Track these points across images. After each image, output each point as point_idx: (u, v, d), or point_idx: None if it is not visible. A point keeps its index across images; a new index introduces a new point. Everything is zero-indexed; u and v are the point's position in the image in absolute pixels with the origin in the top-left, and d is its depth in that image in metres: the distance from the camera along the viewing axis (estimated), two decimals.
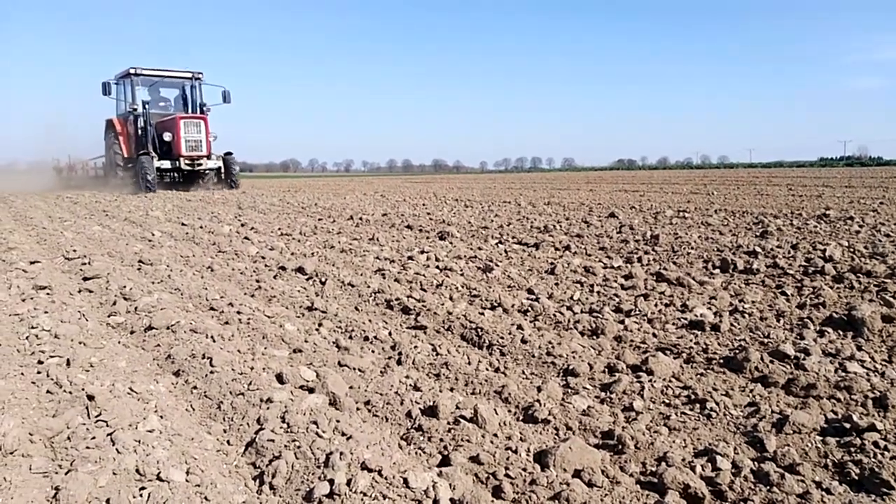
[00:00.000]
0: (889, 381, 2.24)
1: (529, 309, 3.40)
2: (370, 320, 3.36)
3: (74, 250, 5.66)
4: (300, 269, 4.67)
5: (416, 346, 2.84)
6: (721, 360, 2.51)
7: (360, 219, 8.46)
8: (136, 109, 18.87)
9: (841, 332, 2.83)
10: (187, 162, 18.52)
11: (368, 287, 3.98)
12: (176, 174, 19.64)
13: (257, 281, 4.39)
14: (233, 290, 4.17)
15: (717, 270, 4.38)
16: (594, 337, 2.92)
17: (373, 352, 2.86)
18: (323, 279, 4.32)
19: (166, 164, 18.60)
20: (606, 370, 2.48)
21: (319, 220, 8.66)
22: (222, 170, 19.51)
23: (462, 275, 4.49)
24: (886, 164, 36.80)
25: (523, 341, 2.82)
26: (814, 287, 3.71)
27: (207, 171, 19.40)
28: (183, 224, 8.45)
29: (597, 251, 5.35)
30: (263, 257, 5.39)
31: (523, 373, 2.55)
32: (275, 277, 4.58)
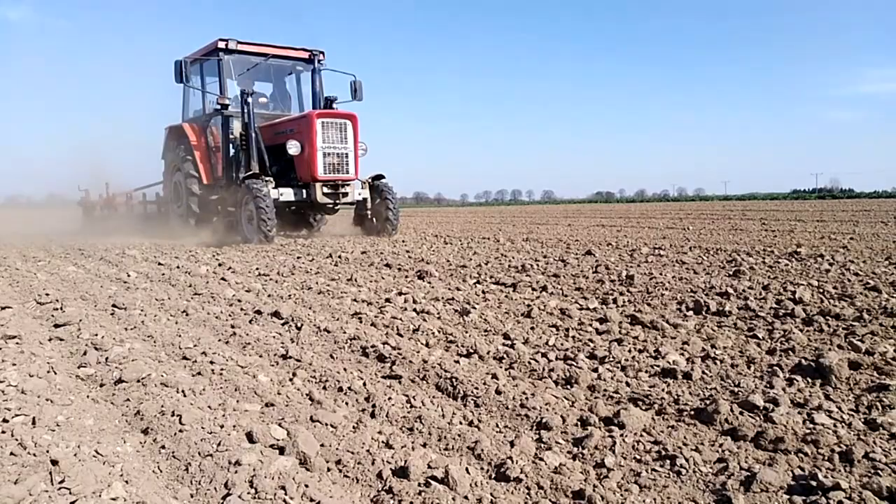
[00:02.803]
0: (855, 432, 2.27)
1: (505, 356, 3.41)
2: (345, 369, 3.34)
3: (47, 294, 5.58)
4: (276, 314, 4.64)
5: (389, 398, 2.83)
6: (692, 412, 2.53)
7: (339, 257, 8.45)
8: (227, 105, 11.69)
9: (809, 380, 2.87)
10: (327, 190, 11.34)
11: (344, 333, 3.97)
12: (301, 209, 12.38)
13: (232, 326, 4.35)
14: (207, 336, 4.13)
15: (691, 312, 4.43)
16: (568, 386, 2.93)
17: (346, 404, 2.84)
18: (299, 324, 4.30)
19: (288, 193, 11.35)
20: (579, 423, 2.49)
21: (298, 258, 8.64)
22: (368, 202, 12.34)
23: (439, 318, 4.49)
24: (857, 196, 37.69)
25: (498, 392, 2.82)
26: (784, 330, 3.77)
27: (347, 206, 12.31)
28: (160, 264, 8.37)
29: (573, 292, 5.39)
30: (240, 300, 5.35)
31: (497, 426, 2.55)
32: (250, 322, 4.55)
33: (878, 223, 13.35)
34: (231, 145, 12.04)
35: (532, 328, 4.11)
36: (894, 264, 6.38)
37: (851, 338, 3.52)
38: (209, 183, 12.50)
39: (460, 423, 2.55)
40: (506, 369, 3.24)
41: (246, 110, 11.37)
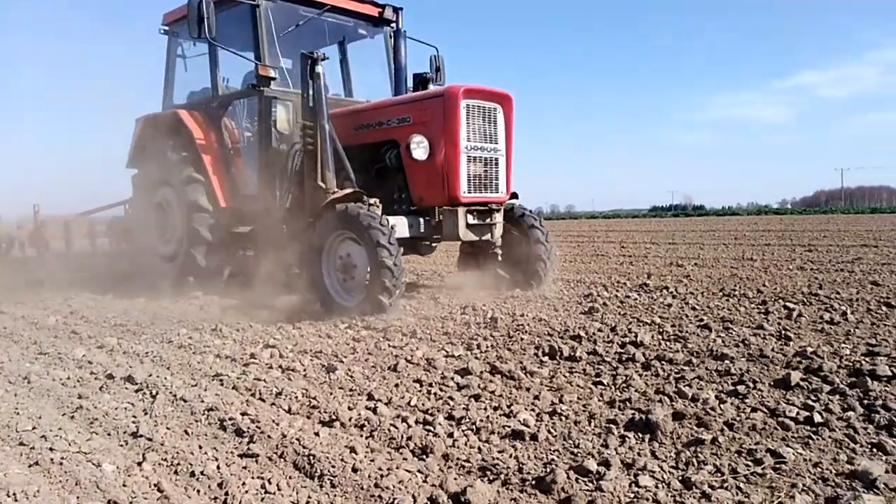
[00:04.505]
0: (672, 493, 2.54)
1: (366, 422, 3.47)
2: (200, 447, 3.26)
3: None
4: (129, 378, 4.41)
5: (244, 483, 2.79)
6: (534, 481, 2.71)
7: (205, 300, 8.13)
8: (272, 79, 7.33)
9: (640, 435, 3.15)
10: (473, 220, 6.84)
11: (202, 402, 3.86)
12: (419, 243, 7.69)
13: (79, 397, 4.09)
14: (49, 412, 3.86)
15: (546, 358, 4.71)
16: (423, 457, 3.03)
17: (198, 492, 2.77)
18: (154, 391, 4.12)
19: (402, 226, 6.81)
20: (429, 502, 2.59)
21: (159, 301, 8.20)
22: (498, 236, 7.38)
23: (305, 376, 4.47)
24: (706, 213, 41.69)
25: (354, 469, 2.87)
26: (626, 377, 4.10)
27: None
28: (2, 312, 7.67)
29: (441, 336, 5.54)
30: (90, 361, 5.03)
31: None
32: (101, 389, 4.30)
33: (721, 245, 14.76)
34: (275, 143, 7.49)
35: (396, 385, 4.19)
36: (727, 295, 7.11)
37: (680, 384, 3.91)
38: (227, 206, 7.98)
39: None
40: (365, 438, 3.30)
41: (314, 87, 6.67)
